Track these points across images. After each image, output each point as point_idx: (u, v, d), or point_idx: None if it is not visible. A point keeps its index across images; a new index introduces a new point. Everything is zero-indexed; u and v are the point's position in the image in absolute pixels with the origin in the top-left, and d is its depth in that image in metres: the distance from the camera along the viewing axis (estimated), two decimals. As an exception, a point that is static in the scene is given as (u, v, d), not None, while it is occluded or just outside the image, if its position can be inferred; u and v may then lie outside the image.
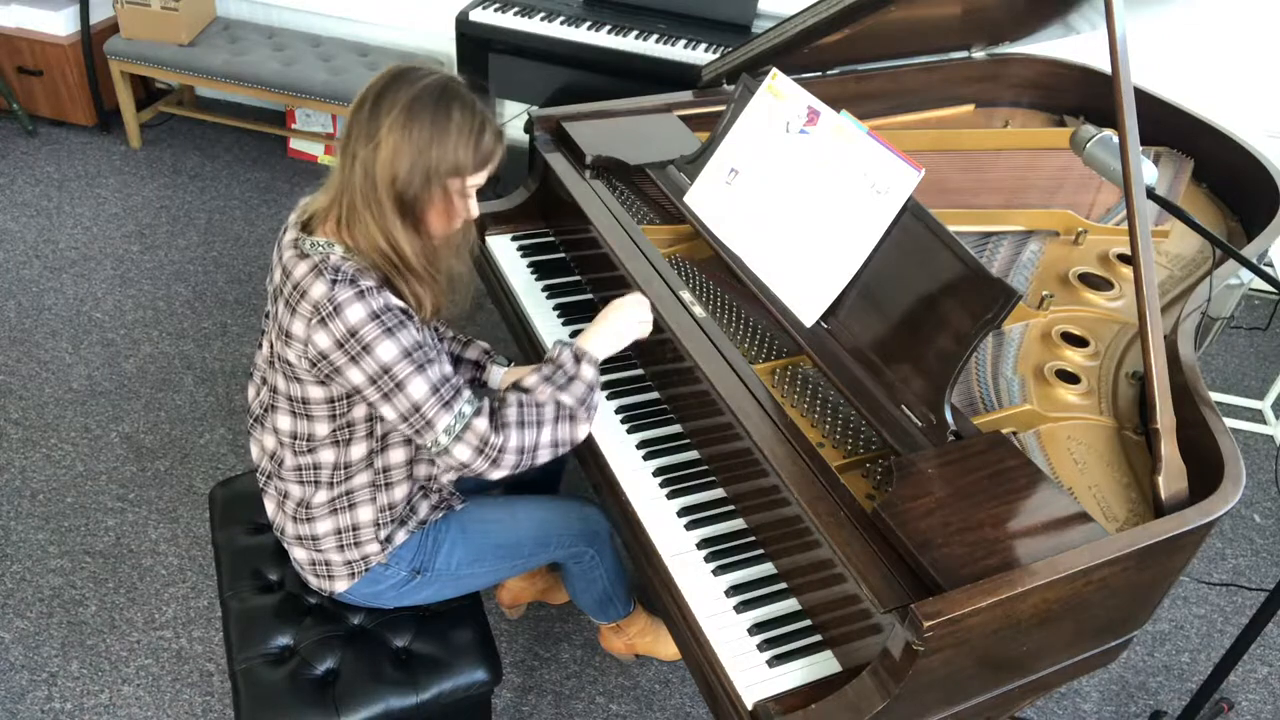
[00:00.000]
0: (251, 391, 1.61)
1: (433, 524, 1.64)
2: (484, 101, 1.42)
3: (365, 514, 1.55)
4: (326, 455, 1.50)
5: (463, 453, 1.41)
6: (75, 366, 2.85)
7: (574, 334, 1.90)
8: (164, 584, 2.30)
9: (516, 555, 1.70)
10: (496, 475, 1.45)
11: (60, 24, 3.62)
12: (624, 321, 1.61)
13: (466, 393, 1.44)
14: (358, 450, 1.50)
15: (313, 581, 1.63)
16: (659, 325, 1.68)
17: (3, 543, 2.35)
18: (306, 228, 1.45)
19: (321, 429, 1.47)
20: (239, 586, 1.71)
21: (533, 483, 1.96)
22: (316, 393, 1.43)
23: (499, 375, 1.77)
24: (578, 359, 1.54)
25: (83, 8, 3.59)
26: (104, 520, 2.43)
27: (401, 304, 1.40)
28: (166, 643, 2.18)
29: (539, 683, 2.18)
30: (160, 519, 2.44)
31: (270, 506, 1.62)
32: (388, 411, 1.40)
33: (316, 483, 1.53)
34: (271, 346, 1.47)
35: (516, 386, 1.50)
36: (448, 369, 1.43)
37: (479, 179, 1.44)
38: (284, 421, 1.50)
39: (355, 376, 1.37)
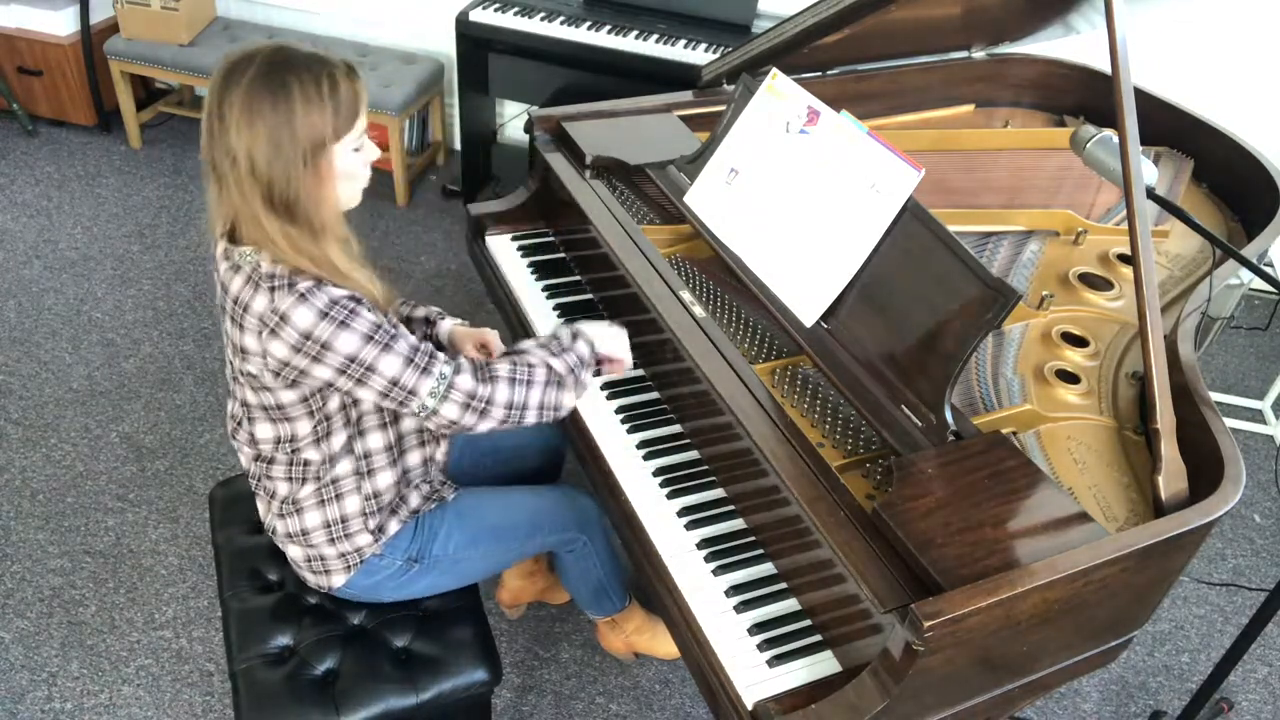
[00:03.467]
0: (230, 404, 1.59)
1: (426, 513, 1.65)
2: (321, 55, 1.32)
3: (351, 504, 1.54)
4: (311, 453, 1.50)
5: (450, 410, 1.42)
6: (75, 366, 2.85)
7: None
8: (164, 584, 2.30)
9: (512, 538, 1.71)
10: (484, 428, 1.46)
11: (60, 24, 3.62)
12: (619, 338, 1.65)
13: (441, 355, 1.43)
14: (337, 440, 1.49)
15: (310, 579, 1.63)
16: (659, 326, 1.69)
17: (3, 543, 2.35)
18: (232, 237, 1.40)
19: (303, 428, 1.46)
20: (239, 586, 1.71)
21: (533, 476, 1.97)
22: (289, 396, 1.42)
23: (447, 326, 1.74)
24: (574, 336, 1.57)
25: (83, 8, 3.59)
26: (104, 520, 2.43)
27: (347, 292, 1.36)
28: (166, 643, 2.18)
29: (539, 683, 2.18)
30: (160, 519, 2.44)
31: (261, 508, 1.63)
32: (365, 394, 1.39)
33: (304, 479, 1.53)
34: (231, 364, 1.46)
35: (511, 350, 1.55)
36: (413, 339, 1.41)
37: (354, 136, 1.35)
38: (265, 430, 1.49)
39: (322, 373, 1.35)
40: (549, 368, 1.51)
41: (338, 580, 1.61)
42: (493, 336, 1.75)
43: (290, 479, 1.53)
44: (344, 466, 1.52)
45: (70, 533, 2.39)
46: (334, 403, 1.45)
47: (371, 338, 1.34)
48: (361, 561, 1.59)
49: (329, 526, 1.55)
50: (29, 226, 3.40)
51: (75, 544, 2.37)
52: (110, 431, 2.66)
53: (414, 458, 1.60)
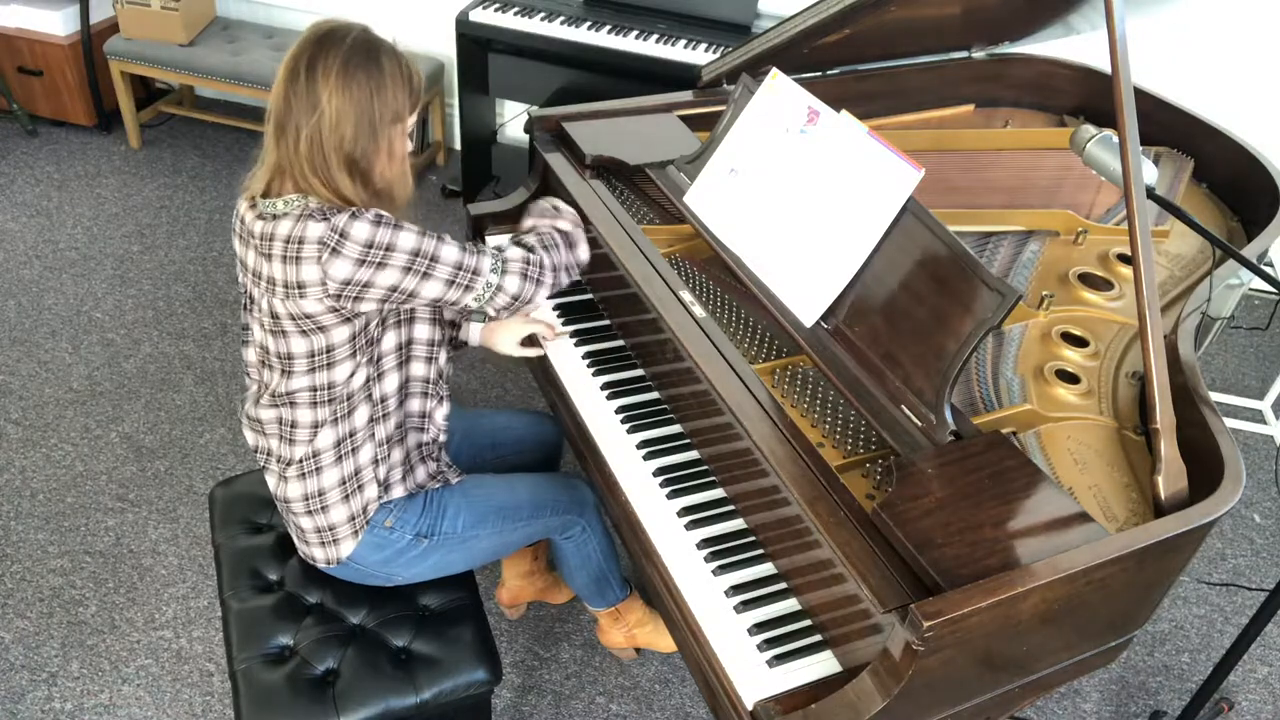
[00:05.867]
0: (253, 384, 1.64)
1: (434, 491, 1.68)
2: (399, 48, 1.50)
3: (365, 454, 1.59)
4: (341, 403, 1.55)
5: (512, 282, 1.56)
6: (75, 366, 2.85)
7: (575, 333, 1.91)
8: (164, 584, 2.30)
9: (516, 518, 1.74)
10: (540, 296, 1.61)
11: (60, 24, 3.62)
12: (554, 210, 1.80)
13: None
14: (389, 381, 1.58)
15: (319, 554, 1.63)
16: (659, 326, 1.69)
17: (3, 543, 2.35)
18: (265, 193, 1.49)
19: (341, 373, 1.52)
20: (239, 586, 1.71)
21: (531, 470, 1.98)
22: (341, 334, 1.48)
23: (476, 328, 1.86)
24: (555, 207, 1.77)
25: (83, 8, 3.59)
26: (104, 520, 2.43)
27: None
28: (166, 643, 2.18)
29: (539, 683, 2.18)
30: (160, 519, 2.44)
31: (273, 482, 1.64)
32: (430, 288, 1.49)
33: (330, 422, 1.56)
34: (274, 317, 1.49)
35: (520, 230, 1.72)
36: None
37: (412, 121, 1.52)
38: (303, 380, 1.52)
39: (388, 277, 1.44)
40: (561, 232, 1.68)
41: (346, 549, 1.61)
42: (541, 328, 1.86)
43: (316, 425, 1.55)
44: (361, 412, 1.56)
45: (70, 533, 2.39)
46: (389, 341, 1.55)
47: (424, 234, 1.48)
48: (367, 522, 1.60)
49: (344, 483, 1.58)
50: (29, 226, 3.41)
51: (75, 544, 2.37)
52: (110, 431, 2.66)
53: (415, 404, 1.65)
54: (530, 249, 1.60)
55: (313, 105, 1.40)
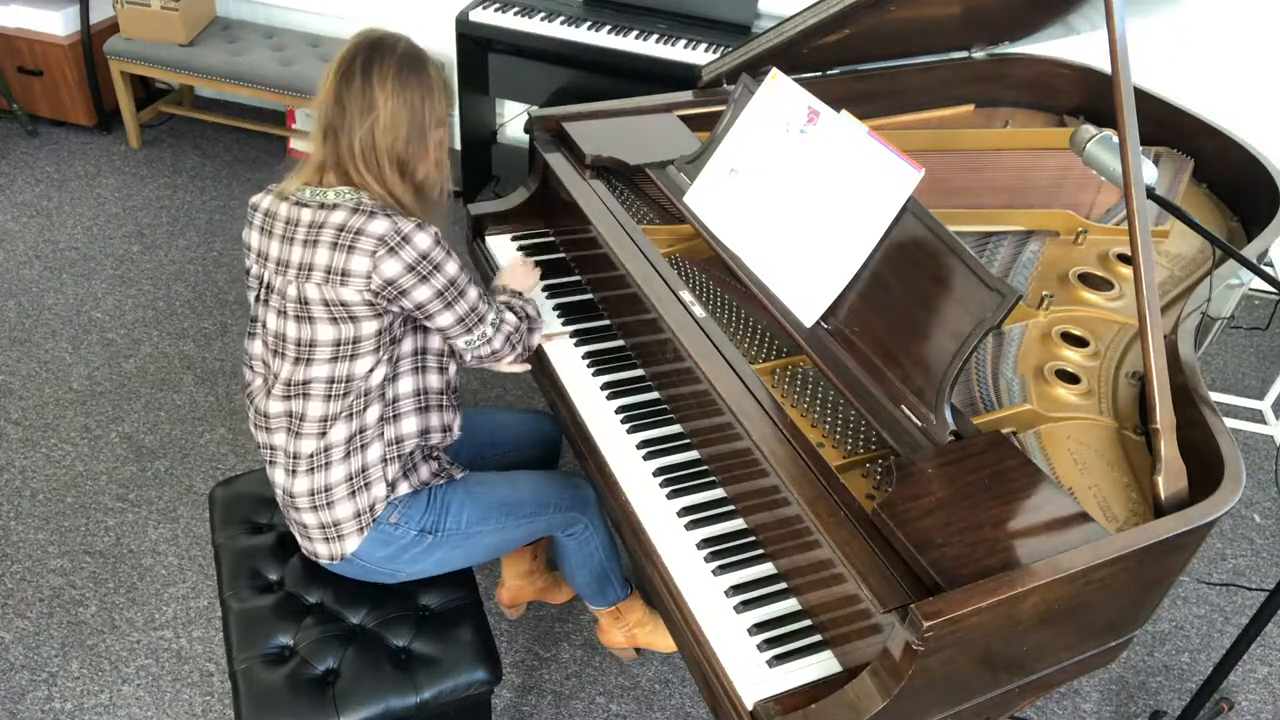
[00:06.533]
0: (257, 378, 1.65)
1: (437, 488, 1.69)
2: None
3: (374, 452, 1.60)
4: (356, 398, 1.56)
5: (499, 340, 1.67)
6: (75, 366, 2.85)
7: (575, 333, 1.92)
8: (164, 584, 2.30)
9: (519, 514, 1.75)
10: (507, 360, 1.72)
11: (60, 24, 3.62)
12: (523, 273, 1.92)
13: None
14: (403, 383, 1.62)
15: (323, 551, 1.63)
16: (659, 326, 1.69)
17: (3, 543, 2.35)
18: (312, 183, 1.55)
19: (362, 366, 1.54)
20: (239, 586, 1.71)
21: (530, 468, 1.98)
22: (369, 327, 1.52)
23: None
24: (520, 293, 1.84)
25: (83, 8, 3.59)
26: (104, 520, 2.43)
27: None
28: (166, 643, 2.18)
29: (539, 683, 2.18)
30: (160, 519, 2.44)
31: (280, 477, 1.63)
32: (445, 318, 1.56)
33: (344, 417, 1.56)
34: (303, 302, 1.51)
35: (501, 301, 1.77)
36: None
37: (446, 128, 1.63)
38: (322, 370, 1.54)
39: (422, 294, 1.51)
40: (529, 315, 1.78)
41: (350, 545, 1.61)
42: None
43: (325, 418, 1.56)
44: (374, 412, 1.58)
45: (70, 533, 2.39)
46: (407, 345, 1.60)
47: (463, 269, 1.56)
48: (373, 520, 1.61)
49: (351, 479, 1.59)
50: (29, 226, 3.41)
51: (75, 544, 2.37)
52: (110, 431, 2.66)
53: (434, 419, 1.67)
54: (520, 319, 1.72)
55: (368, 107, 1.49)
